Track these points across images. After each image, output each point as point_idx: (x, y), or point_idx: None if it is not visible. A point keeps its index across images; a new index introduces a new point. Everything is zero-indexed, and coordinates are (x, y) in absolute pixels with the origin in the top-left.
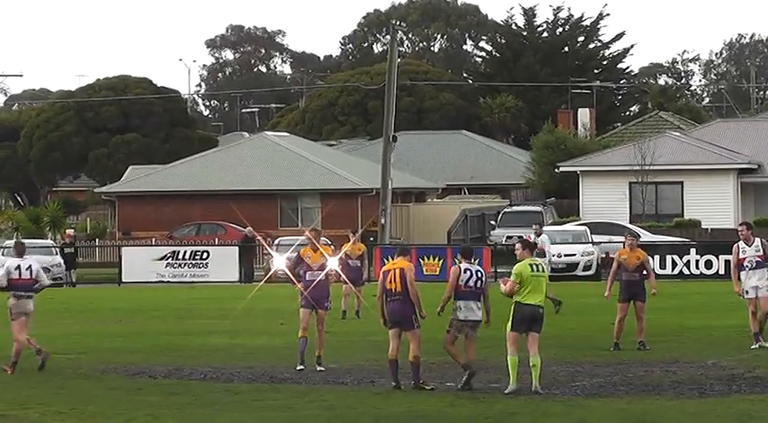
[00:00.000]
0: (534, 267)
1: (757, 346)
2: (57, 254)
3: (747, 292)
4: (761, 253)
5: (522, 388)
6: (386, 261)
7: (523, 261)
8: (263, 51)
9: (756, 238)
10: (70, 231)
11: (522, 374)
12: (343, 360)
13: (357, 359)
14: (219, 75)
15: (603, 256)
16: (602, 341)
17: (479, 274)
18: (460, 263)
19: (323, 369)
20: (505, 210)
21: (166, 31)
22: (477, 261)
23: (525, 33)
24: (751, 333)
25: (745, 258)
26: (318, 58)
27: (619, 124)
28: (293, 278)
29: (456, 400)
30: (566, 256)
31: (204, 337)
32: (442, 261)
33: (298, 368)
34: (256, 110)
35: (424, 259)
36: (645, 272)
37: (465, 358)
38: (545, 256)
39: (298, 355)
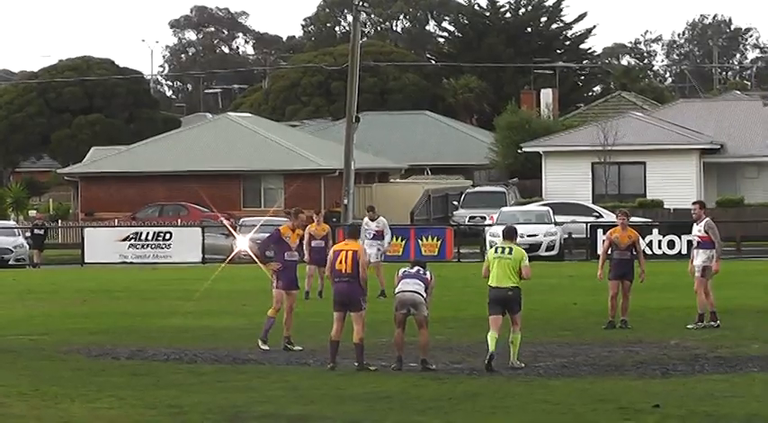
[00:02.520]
0: (499, 250)
1: (692, 326)
2: (19, 235)
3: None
4: (703, 234)
5: (500, 352)
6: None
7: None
8: (226, 32)
9: (705, 219)
10: (34, 212)
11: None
12: (307, 341)
13: (320, 340)
14: (183, 56)
15: (566, 236)
16: (565, 322)
17: (421, 271)
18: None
19: (301, 348)
20: (468, 190)
21: (129, 12)
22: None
23: (488, 14)
24: (709, 311)
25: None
26: (281, 38)
27: (582, 105)
28: (259, 259)
29: (419, 380)
30: (528, 236)
31: (167, 318)
32: (404, 241)
33: (264, 347)
34: (219, 91)
35: None
36: (635, 252)
37: (401, 351)
38: (383, 239)
39: (262, 333)
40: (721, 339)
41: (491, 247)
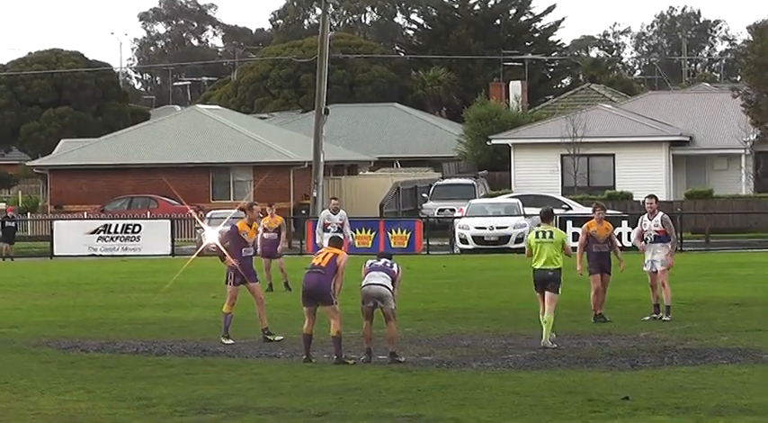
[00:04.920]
0: (539, 234)
1: (648, 317)
2: None
3: (646, 264)
4: (660, 228)
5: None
6: (316, 234)
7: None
8: (195, 25)
9: (660, 213)
10: (3, 205)
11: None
12: (276, 333)
13: (289, 332)
14: (152, 48)
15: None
16: (534, 314)
17: (388, 264)
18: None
19: (281, 337)
20: (437, 183)
21: (99, 5)
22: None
23: (457, 6)
24: (663, 305)
25: (645, 231)
26: (250, 31)
27: (551, 97)
28: (225, 253)
29: (389, 372)
30: (498, 228)
31: (136, 311)
32: (374, 234)
33: (228, 342)
34: (188, 83)
35: (356, 232)
36: (611, 243)
37: (370, 344)
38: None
39: (223, 329)
40: (690, 331)
41: (532, 231)
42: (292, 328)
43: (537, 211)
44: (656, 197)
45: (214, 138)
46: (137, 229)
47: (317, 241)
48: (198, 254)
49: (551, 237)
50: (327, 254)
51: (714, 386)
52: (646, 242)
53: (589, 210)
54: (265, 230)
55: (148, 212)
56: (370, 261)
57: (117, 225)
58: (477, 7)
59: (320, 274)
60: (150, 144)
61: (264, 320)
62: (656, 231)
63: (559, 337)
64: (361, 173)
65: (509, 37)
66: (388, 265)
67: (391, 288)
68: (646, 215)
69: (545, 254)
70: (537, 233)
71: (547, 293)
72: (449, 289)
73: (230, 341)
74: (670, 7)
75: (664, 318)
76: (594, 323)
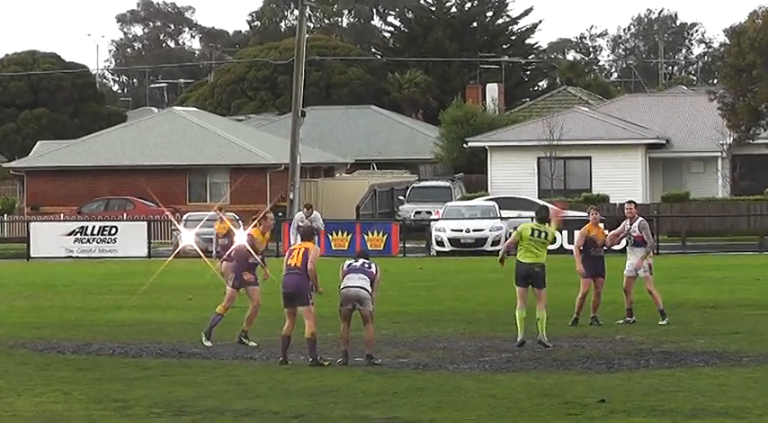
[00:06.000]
0: (535, 233)
1: (622, 321)
2: None
3: (627, 267)
4: (636, 233)
5: (526, 340)
6: (290, 235)
7: (529, 223)
8: (173, 27)
9: (639, 218)
10: None
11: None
12: (252, 335)
13: (265, 334)
14: (128, 50)
15: (512, 230)
16: (511, 316)
17: (366, 265)
18: None
19: (256, 344)
20: (414, 185)
21: (76, 6)
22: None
23: (434, 8)
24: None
25: (627, 235)
26: (227, 33)
27: (527, 99)
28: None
29: (365, 375)
30: (474, 231)
31: (113, 313)
32: (350, 236)
33: (208, 344)
34: (165, 85)
35: (332, 234)
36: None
37: (347, 346)
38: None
39: (206, 328)
40: (667, 334)
41: (528, 224)
42: (269, 331)
43: (513, 213)
44: (635, 202)
45: (191, 140)
46: (113, 230)
47: (291, 243)
48: (174, 256)
49: (545, 238)
50: (299, 251)
51: (690, 389)
52: (627, 246)
53: (565, 213)
54: (217, 237)
55: (125, 214)
56: (347, 262)
57: (93, 227)
58: (453, 10)
59: (298, 275)
60: (127, 146)
61: (250, 324)
62: (635, 236)
63: (536, 340)
64: (337, 175)
65: (486, 39)
66: (367, 266)
67: (370, 290)
68: (627, 220)
69: (533, 248)
70: (533, 231)
71: (537, 291)
72: (425, 291)
73: (209, 343)
74: (647, 10)
75: (660, 322)
76: (573, 326)
